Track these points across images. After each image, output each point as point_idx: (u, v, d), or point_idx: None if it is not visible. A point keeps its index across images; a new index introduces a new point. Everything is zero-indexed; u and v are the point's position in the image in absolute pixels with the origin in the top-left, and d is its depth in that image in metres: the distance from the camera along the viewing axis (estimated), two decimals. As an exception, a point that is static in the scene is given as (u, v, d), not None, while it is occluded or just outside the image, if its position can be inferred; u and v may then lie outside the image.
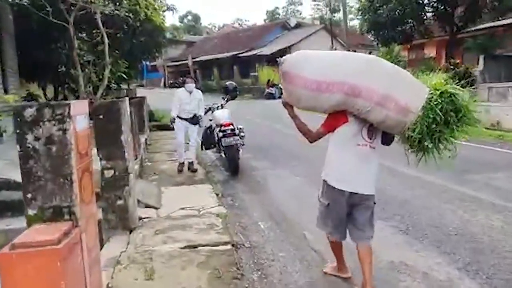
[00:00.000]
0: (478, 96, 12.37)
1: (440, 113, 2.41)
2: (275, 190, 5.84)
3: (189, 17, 71.95)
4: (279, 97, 9.71)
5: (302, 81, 2.53)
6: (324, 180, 2.83)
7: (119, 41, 8.70)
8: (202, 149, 7.27)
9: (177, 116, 6.78)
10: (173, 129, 7.21)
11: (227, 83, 8.05)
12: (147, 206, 4.73)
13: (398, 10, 15.88)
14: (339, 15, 35.15)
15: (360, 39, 29.80)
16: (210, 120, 7.88)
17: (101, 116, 3.79)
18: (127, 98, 4.09)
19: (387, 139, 2.79)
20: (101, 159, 3.87)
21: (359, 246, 2.87)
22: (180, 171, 6.77)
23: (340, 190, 2.71)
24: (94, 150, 3.34)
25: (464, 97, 2.52)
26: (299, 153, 8.07)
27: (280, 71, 2.64)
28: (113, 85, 7.18)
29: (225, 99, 7.81)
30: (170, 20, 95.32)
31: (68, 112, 2.08)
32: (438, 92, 2.46)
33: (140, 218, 4.30)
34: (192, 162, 6.90)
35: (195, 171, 6.75)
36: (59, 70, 5.91)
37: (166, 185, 5.95)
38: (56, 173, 2.10)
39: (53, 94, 12.95)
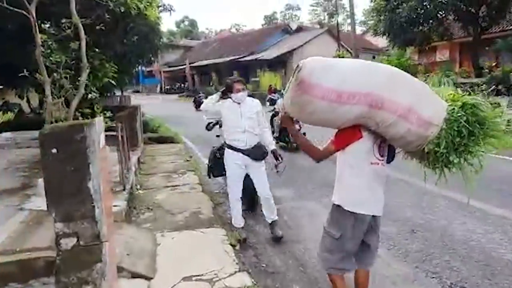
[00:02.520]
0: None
1: (466, 125, 2.29)
2: (311, 236, 4.32)
3: (186, 22, 71.19)
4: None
5: (321, 91, 2.22)
6: (337, 205, 2.54)
7: (106, 40, 7.17)
8: (209, 176, 5.72)
9: (227, 146, 4.28)
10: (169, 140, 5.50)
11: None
12: (135, 276, 3.18)
13: (418, 9, 14.47)
14: (337, 19, 33.93)
15: (363, 43, 28.54)
16: (218, 136, 6.38)
17: (54, 150, 2.27)
18: (100, 119, 2.56)
19: (390, 156, 2.60)
20: (55, 221, 2.34)
21: (363, 271, 2.73)
22: (234, 245, 4.01)
23: (361, 214, 2.47)
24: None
25: (486, 108, 2.37)
26: (328, 177, 6.53)
27: (297, 79, 2.24)
28: (94, 93, 5.54)
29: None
30: (166, 25, 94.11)
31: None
32: (459, 104, 2.34)
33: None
34: (273, 221, 4.33)
35: (281, 237, 4.22)
36: (21, 74, 4.31)
37: (163, 229, 4.40)
38: None
39: (38, 103, 11.44)
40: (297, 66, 2.25)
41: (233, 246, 3.98)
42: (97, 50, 6.11)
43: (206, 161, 8.08)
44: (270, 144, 4.39)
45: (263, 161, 4.27)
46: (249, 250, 4.01)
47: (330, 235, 2.58)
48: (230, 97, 4.17)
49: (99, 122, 2.55)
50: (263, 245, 4.15)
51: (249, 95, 4.28)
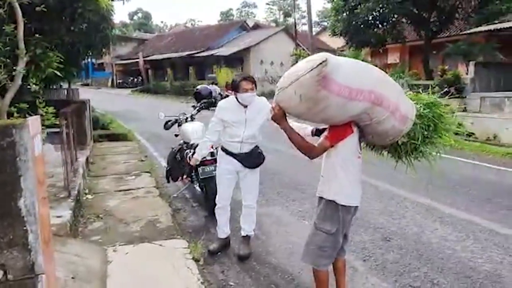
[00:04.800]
0: (469, 106, 11.36)
1: (434, 119, 2.61)
2: (280, 246, 3.99)
3: (140, 14, 68.87)
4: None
5: (338, 87, 2.20)
6: (330, 201, 2.59)
7: (51, 26, 6.38)
8: (168, 181, 5.22)
9: (221, 147, 3.85)
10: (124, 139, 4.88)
11: (198, 86, 6.07)
12: (81, 306, 2.68)
13: (375, 11, 14.64)
14: (294, 18, 34.14)
15: (317, 43, 28.80)
16: (176, 135, 5.88)
17: (-29, 160, 1.73)
18: (36, 118, 2.04)
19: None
20: (-27, 250, 1.81)
21: (341, 259, 2.87)
22: (213, 252, 3.81)
23: (351, 206, 2.62)
24: None
25: (442, 106, 2.71)
26: (300, 180, 6.27)
27: (319, 73, 2.14)
28: (35, 86, 4.83)
29: (197, 108, 5.83)
30: (119, 15, 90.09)
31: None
32: (424, 102, 2.66)
33: None
34: (248, 236, 3.89)
35: (246, 257, 3.74)
36: None
37: (115, 243, 3.88)
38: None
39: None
40: (322, 61, 2.15)
41: (197, 260, 3.55)
42: (39, 35, 5.36)
43: (163, 161, 7.58)
44: None
45: (258, 168, 3.81)
46: (215, 265, 3.60)
47: (323, 231, 2.61)
48: (237, 98, 3.59)
49: (35, 122, 2.03)
50: (229, 259, 3.75)
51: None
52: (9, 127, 1.75)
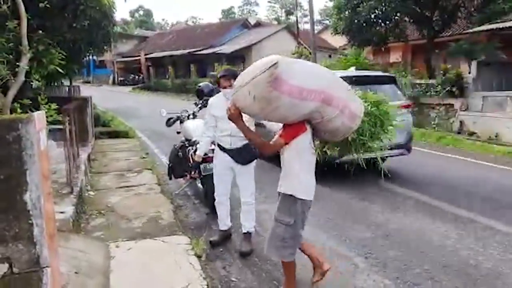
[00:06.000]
0: (471, 106, 11.34)
1: (380, 116, 2.86)
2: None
3: (141, 12, 68.77)
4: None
5: (289, 87, 2.35)
6: (289, 195, 2.74)
7: (53, 23, 6.39)
8: (170, 177, 5.24)
9: (216, 143, 3.90)
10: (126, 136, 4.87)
11: (201, 84, 6.01)
12: (84, 300, 2.70)
13: (377, 9, 14.60)
14: (296, 16, 34.02)
15: (319, 42, 28.70)
16: (178, 133, 5.89)
17: (-23, 153, 1.75)
18: (42, 113, 2.05)
19: None
20: (-21, 243, 1.83)
21: (305, 243, 3.09)
22: (215, 244, 3.90)
23: (308, 200, 2.77)
24: None
25: (386, 104, 2.98)
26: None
27: (271, 75, 2.28)
28: (38, 82, 4.84)
29: (199, 106, 5.84)
30: (120, 13, 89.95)
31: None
32: (372, 101, 2.91)
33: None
34: (248, 233, 3.89)
35: (248, 253, 3.73)
36: None
37: (117, 238, 3.90)
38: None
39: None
40: (273, 63, 2.28)
41: (199, 256, 3.57)
42: (41, 32, 5.36)
43: (164, 158, 7.59)
44: None
45: (251, 164, 3.84)
46: (217, 261, 3.62)
47: (283, 223, 2.76)
48: (221, 92, 3.77)
49: (40, 117, 2.04)
50: (231, 255, 3.77)
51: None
52: (16, 121, 1.77)
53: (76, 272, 2.86)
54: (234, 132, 3.57)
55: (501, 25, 11.46)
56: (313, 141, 2.78)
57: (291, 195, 2.72)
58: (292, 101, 2.39)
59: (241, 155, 3.73)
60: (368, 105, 2.85)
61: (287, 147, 2.69)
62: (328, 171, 5.45)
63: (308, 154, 2.74)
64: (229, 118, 2.67)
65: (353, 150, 2.91)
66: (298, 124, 2.64)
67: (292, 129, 2.66)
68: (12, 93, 3.83)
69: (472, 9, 15.18)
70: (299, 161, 2.70)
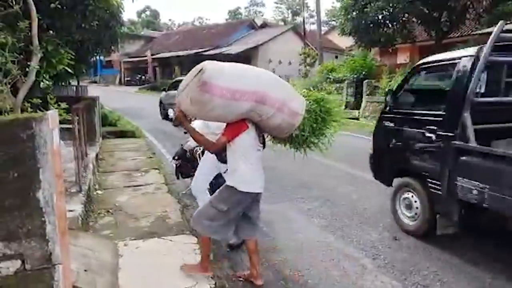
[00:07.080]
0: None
1: (320, 114, 3.03)
2: (288, 244, 4.01)
3: (148, 12, 69.03)
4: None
5: (219, 90, 2.56)
6: (231, 187, 2.93)
7: (62, 23, 6.44)
8: (178, 177, 5.27)
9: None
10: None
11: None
12: (94, 299, 2.72)
13: (385, 10, 14.54)
14: (303, 16, 34.02)
15: (325, 43, 28.65)
16: (185, 133, 5.90)
17: (-8, 151, 1.78)
18: (54, 112, 2.08)
19: (264, 143, 3.12)
20: (-8, 240, 1.85)
21: (251, 240, 3.18)
22: (233, 247, 3.86)
23: (249, 192, 2.95)
24: None
25: (330, 101, 3.15)
26: (308, 179, 6.27)
27: (199, 80, 2.54)
28: (47, 82, 4.89)
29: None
30: (127, 13, 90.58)
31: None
32: (313, 98, 3.09)
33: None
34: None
35: (231, 246, 3.85)
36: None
37: (125, 237, 3.92)
38: None
39: None
40: (200, 69, 2.54)
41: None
42: (51, 32, 5.41)
43: (171, 158, 7.61)
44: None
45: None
46: (224, 260, 3.63)
47: (217, 209, 2.95)
48: None
49: (53, 115, 2.07)
50: (238, 254, 3.78)
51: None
52: (30, 120, 1.79)
53: (85, 270, 2.89)
54: (213, 128, 3.71)
55: (510, 27, 11.37)
56: (261, 137, 2.99)
57: (232, 187, 2.92)
58: (226, 102, 2.59)
59: (220, 154, 3.70)
60: (309, 102, 3.02)
61: (231, 144, 2.88)
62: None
63: (254, 151, 2.94)
64: (176, 120, 2.91)
65: (297, 145, 3.10)
66: (239, 122, 2.83)
67: (233, 127, 2.85)
68: (23, 92, 3.87)
69: (481, 10, 15.08)
70: (244, 157, 2.89)
